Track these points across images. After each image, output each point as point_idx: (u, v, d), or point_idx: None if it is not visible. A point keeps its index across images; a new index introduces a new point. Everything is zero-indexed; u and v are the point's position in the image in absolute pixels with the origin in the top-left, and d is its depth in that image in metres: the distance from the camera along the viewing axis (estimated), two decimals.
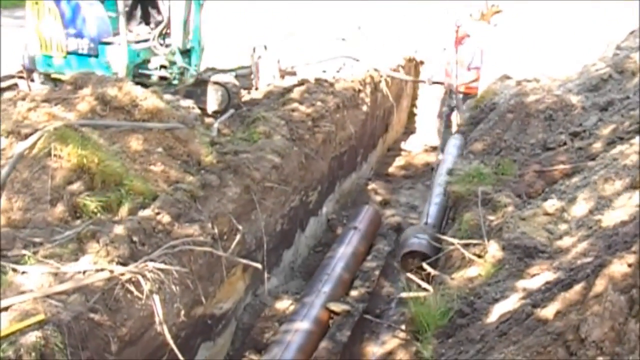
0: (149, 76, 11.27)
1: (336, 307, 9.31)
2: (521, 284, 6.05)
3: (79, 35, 10.84)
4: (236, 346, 8.89)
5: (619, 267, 4.23)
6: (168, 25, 11.22)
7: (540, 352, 4.27)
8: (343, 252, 10.65)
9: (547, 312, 4.78)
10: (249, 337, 8.94)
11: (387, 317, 9.72)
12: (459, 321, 5.90)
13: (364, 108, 14.16)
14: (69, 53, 10.91)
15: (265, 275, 9.20)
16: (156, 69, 11.24)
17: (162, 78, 11.33)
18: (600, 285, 4.24)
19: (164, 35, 11.28)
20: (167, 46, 11.23)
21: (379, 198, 14.28)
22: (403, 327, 7.73)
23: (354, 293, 10.00)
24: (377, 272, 10.65)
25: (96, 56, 10.82)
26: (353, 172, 14.19)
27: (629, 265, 4.19)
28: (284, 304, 9.48)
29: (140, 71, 11.18)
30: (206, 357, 8.19)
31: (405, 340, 8.73)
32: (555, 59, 15.61)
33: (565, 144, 10.06)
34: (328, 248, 11.41)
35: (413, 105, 19.47)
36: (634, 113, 9.49)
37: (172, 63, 11.20)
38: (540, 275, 5.95)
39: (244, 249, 8.70)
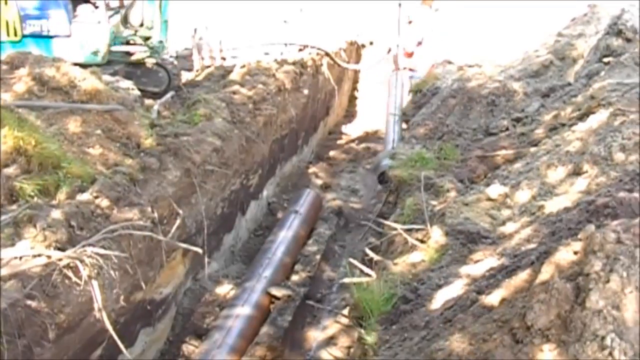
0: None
1: (277, 291, 9.26)
2: (465, 269, 6.04)
3: (42, 16, 10.48)
4: (176, 331, 8.78)
5: (565, 254, 4.22)
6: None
7: (485, 340, 4.26)
8: (284, 236, 10.61)
9: (492, 299, 4.76)
10: (189, 322, 8.84)
11: (328, 302, 9.76)
12: (403, 307, 5.86)
13: (306, 91, 14.09)
14: (25, 36, 10.53)
15: (206, 259, 9.08)
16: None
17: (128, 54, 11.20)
18: (546, 272, 4.23)
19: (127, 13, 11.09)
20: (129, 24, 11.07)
21: (319, 181, 14.25)
22: (346, 312, 7.66)
23: (295, 277, 9.97)
24: (318, 257, 10.63)
25: (67, 37, 10.50)
26: (294, 155, 14.13)
27: (575, 253, 4.18)
28: (225, 289, 9.41)
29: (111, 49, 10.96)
30: (146, 343, 8.05)
31: (347, 325, 8.76)
32: (496, 45, 15.71)
33: (507, 129, 10.13)
34: (269, 232, 11.36)
35: (354, 88, 19.49)
36: (576, 100, 9.58)
37: (146, 38, 11.03)
38: (484, 261, 5.94)
39: (184, 233, 8.58)
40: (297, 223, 11.10)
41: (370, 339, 5.63)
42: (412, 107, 13.26)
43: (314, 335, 9.01)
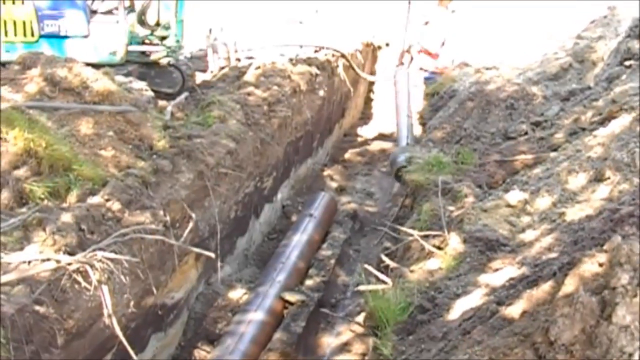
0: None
1: (291, 296, 9.12)
2: (483, 278, 5.88)
3: (59, 16, 10.37)
4: (188, 336, 8.65)
5: (589, 266, 4.07)
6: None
7: (506, 354, 4.11)
8: (298, 240, 10.47)
9: (513, 310, 4.60)
10: (201, 327, 8.71)
11: (342, 308, 9.61)
12: (420, 317, 5.71)
13: (321, 93, 13.92)
14: (41, 36, 10.41)
15: (219, 263, 8.95)
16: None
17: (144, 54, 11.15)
18: (570, 285, 4.07)
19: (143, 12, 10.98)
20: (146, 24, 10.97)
21: (334, 184, 14.10)
22: (361, 320, 7.51)
23: (309, 282, 9.82)
24: (332, 261, 10.47)
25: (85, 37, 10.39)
26: (309, 157, 13.97)
27: (600, 265, 4.02)
28: (238, 293, 9.26)
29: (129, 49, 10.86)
30: (157, 348, 7.93)
31: (362, 332, 8.61)
32: (514, 47, 15.52)
33: (526, 133, 9.97)
34: (283, 235, 11.22)
35: (370, 90, 19.32)
36: (596, 104, 9.39)
37: (163, 38, 10.95)
38: (503, 270, 5.79)
39: (196, 237, 8.46)
40: (312, 227, 10.96)
41: (386, 350, 5.47)
42: (429, 109, 13.12)
43: (328, 342, 8.86)
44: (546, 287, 4.46)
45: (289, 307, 9.06)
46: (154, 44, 11.28)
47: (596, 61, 12.11)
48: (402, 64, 15.17)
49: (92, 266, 5.99)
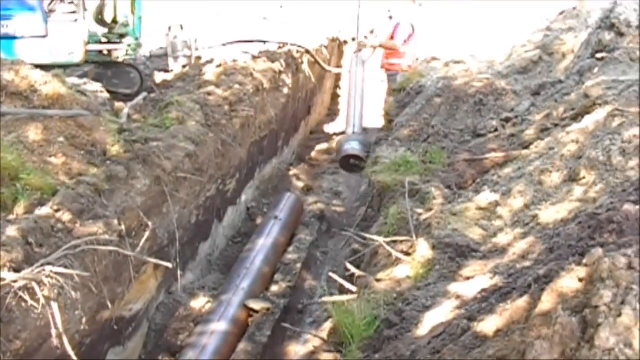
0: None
1: (255, 304, 8.79)
2: (454, 288, 5.57)
3: (13, 16, 9.92)
4: (149, 349, 8.30)
5: (568, 281, 3.76)
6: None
7: None
8: (263, 244, 10.13)
9: (486, 327, 4.29)
10: (162, 339, 8.35)
11: (310, 314, 9.32)
12: (387, 332, 5.37)
13: (285, 90, 13.58)
14: None
15: (179, 272, 8.58)
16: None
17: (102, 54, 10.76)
18: (547, 302, 3.77)
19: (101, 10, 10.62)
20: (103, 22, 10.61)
21: (301, 184, 13.78)
22: (325, 336, 7.17)
23: (274, 288, 9.48)
24: (299, 265, 10.14)
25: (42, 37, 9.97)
26: (274, 157, 13.64)
27: (580, 280, 3.71)
28: (200, 302, 8.90)
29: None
30: None
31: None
32: (482, 41, 15.27)
33: (496, 130, 9.68)
34: (248, 238, 10.90)
35: (336, 86, 19.04)
36: (568, 98, 9.11)
37: (122, 36, 10.58)
38: (474, 280, 5.47)
39: (155, 245, 8.11)
40: (277, 229, 10.62)
41: None
42: (396, 106, 12.77)
43: (295, 350, 8.53)
44: (521, 302, 4.15)
45: (254, 316, 8.74)
46: (113, 42, 10.92)
47: (566, 53, 11.84)
48: (360, 51, 14.78)
49: (39, 283, 5.65)
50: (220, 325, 8.21)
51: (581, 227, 5.09)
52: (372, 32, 16.12)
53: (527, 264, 5.10)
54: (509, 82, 11.31)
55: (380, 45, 14.75)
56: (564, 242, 5.01)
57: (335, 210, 12.71)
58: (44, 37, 9.97)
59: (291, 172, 14.21)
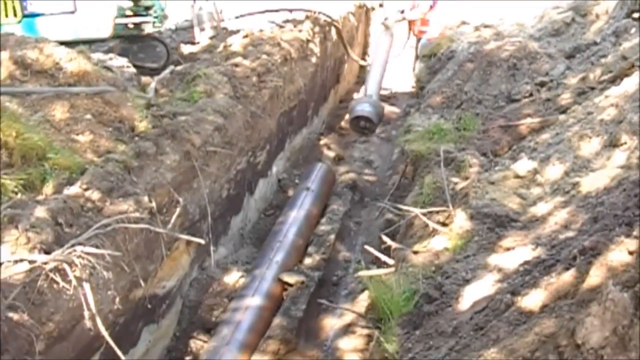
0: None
1: (290, 278, 8.70)
2: (494, 260, 5.40)
3: None
4: (183, 326, 8.24)
5: (617, 254, 3.58)
6: None
7: (527, 358, 3.61)
8: (295, 216, 10.02)
9: (530, 302, 4.13)
10: (196, 315, 8.28)
11: (345, 286, 9.25)
12: (427, 308, 5.21)
13: (313, 59, 13.37)
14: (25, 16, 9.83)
15: (212, 248, 8.46)
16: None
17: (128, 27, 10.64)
18: (596, 276, 3.59)
19: None
20: None
21: (332, 154, 13.59)
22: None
23: (308, 261, 9.38)
24: (332, 236, 10.01)
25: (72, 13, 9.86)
26: (304, 127, 13.46)
27: (630, 253, 3.52)
28: (234, 277, 8.81)
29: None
30: (150, 341, 7.50)
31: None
32: (511, 3, 14.87)
33: (531, 94, 9.43)
34: (279, 211, 10.79)
35: (365, 53, 18.78)
36: (605, 61, 8.83)
37: (148, 8, 10.45)
38: (515, 251, 5.29)
39: (186, 220, 8.02)
40: (309, 201, 10.49)
41: (390, 346, 4.97)
42: (426, 72, 12.53)
43: (330, 324, 8.46)
44: (567, 276, 3.97)
45: (288, 289, 8.65)
46: (140, 15, 10.78)
47: (600, 14, 11.49)
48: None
49: (70, 264, 5.56)
50: (254, 300, 8.12)
51: (626, 195, 4.89)
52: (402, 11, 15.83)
53: (570, 234, 4.91)
54: (542, 44, 11.02)
55: (404, 18, 14.53)
56: (608, 212, 4.81)
57: (367, 179, 12.54)
58: (72, 12, 9.84)
59: (321, 142, 14.02)
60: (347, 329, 8.17)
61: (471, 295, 4.98)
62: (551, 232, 5.24)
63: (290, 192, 11.47)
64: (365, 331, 7.97)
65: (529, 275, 4.60)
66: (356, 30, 17.30)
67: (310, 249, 9.65)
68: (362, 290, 8.69)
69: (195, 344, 7.98)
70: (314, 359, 7.91)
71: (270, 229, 10.17)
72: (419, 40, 14.99)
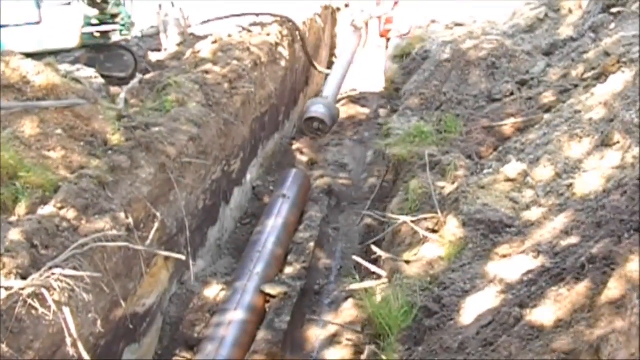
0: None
1: (272, 289, 8.50)
2: (492, 268, 5.22)
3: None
4: (165, 344, 8.01)
5: (637, 265, 3.39)
6: None
7: None
8: (273, 225, 9.81)
9: (541, 316, 3.95)
10: (178, 332, 8.06)
11: (327, 294, 9.06)
12: (428, 322, 5.02)
13: (283, 63, 13.14)
14: None
15: (191, 261, 8.19)
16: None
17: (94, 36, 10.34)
18: (615, 289, 3.42)
19: None
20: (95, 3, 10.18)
21: (305, 158, 13.41)
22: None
23: (289, 270, 9.17)
24: (311, 244, 9.82)
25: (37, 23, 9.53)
26: (276, 132, 13.25)
27: None
28: (214, 290, 8.61)
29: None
30: None
31: (350, 320, 8.04)
32: (480, 2, 14.74)
33: (512, 94, 9.28)
34: (256, 219, 10.59)
35: (332, 55, 18.62)
36: (587, 57, 8.70)
37: (114, 16, 10.15)
38: (514, 260, 5.11)
39: (164, 235, 7.79)
40: (286, 208, 10.28)
41: None
42: (401, 73, 12.35)
43: (316, 334, 8.26)
44: (581, 288, 3.79)
45: (271, 301, 8.43)
46: (106, 23, 10.48)
47: (573, 9, 11.39)
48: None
49: (49, 288, 5.31)
50: (237, 314, 7.91)
51: (629, 198, 4.73)
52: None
53: (573, 240, 4.74)
54: (516, 42, 10.90)
55: (371, 16, 14.41)
56: (612, 216, 4.63)
57: (343, 183, 12.35)
58: (38, 23, 9.51)
59: (294, 147, 13.82)
60: (332, 340, 7.99)
61: (473, 307, 4.79)
62: (551, 238, 5.07)
63: (266, 200, 11.25)
64: (353, 340, 7.80)
65: (534, 285, 4.42)
66: (323, 31, 17.11)
67: (290, 258, 9.44)
68: (346, 299, 8.51)
69: None
70: None
71: (248, 238, 9.98)
72: (388, 40, 14.84)
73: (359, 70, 16.38)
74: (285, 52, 13.38)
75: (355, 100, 16.47)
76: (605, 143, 6.35)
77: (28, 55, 7.96)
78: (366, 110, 15.95)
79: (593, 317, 3.45)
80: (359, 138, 14.57)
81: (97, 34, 10.38)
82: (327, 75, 15.02)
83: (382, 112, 14.82)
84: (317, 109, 13.01)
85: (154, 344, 7.86)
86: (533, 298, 4.23)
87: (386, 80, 14.11)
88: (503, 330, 4.13)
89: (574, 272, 4.10)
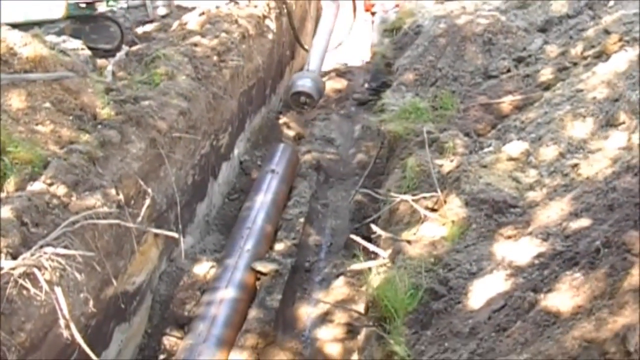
0: None
1: (263, 267, 8.39)
2: (499, 250, 5.10)
3: None
4: (154, 322, 7.88)
5: None
6: None
7: None
8: (262, 201, 9.68)
9: (557, 301, 3.83)
10: (168, 310, 7.93)
11: (318, 271, 8.97)
12: (435, 306, 4.88)
13: (270, 36, 12.94)
14: None
15: (181, 238, 8.01)
16: None
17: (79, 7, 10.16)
18: (637, 275, 3.30)
19: None
20: None
21: (292, 133, 13.24)
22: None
23: (279, 246, 9.06)
24: (301, 220, 9.72)
25: None
26: (262, 106, 13.03)
27: None
28: (204, 268, 8.47)
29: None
30: (122, 341, 7.13)
31: (342, 298, 7.97)
32: None
33: (509, 70, 9.13)
34: (243, 194, 10.46)
35: (317, 26, 18.36)
36: (586, 35, 8.56)
37: None
38: (522, 241, 4.98)
39: (154, 212, 7.62)
40: (275, 184, 10.14)
41: (401, 350, 4.64)
42: (393, 48, 12.15)
43: (307, 312, 8.21)
44: (600, 274, 3.67)
45: (262, 278, 8.30)
46: None
47: None
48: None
49: (40, 267, 5.15)
50: (228, 292, 7.80)
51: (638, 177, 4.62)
52: None
53: (584, 223, 4.62)
54: (509, 17, 10.73)
55: None
56: (625, 200, 4.52)
57: (330, 158, 12.20)
58: None
59: (281, 121, 13.61)
60: (324, 318, 7.91)
61: (482, 290, 4.67)
62: (560, 220, 4.95)
63: (254, 174, 11.09)
64: (344, 319, 7.72)
65: (546, 269, 4.31)
66: (309, 4, 16.90)
67: (280, 234, 9.34)
68: (337, 276, 8.41)
69: (168, 340, 7.66)
70: (294, 351, 7.62)
71: (236, 214, 9.87)
72: (373, 14, 14.68)
73: (348, 44, 16.28)
74: (273, 25, 13.17)
75: (341, 74, 16.30)
76: (610, 123, 6.23)
77: (14, 26, 7.72)
78: (353, 84, 15.81)
79: (616, 305, 3.34)
80: (346, 112, 14.41)
81: (83, 5, 10.11)
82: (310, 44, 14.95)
83: (366, 85, 14.75)
84: (304, 83, 13.21)
85: (143, 323, 7.74)
86: (546, 282, 4.12)
87: (373, 55, 13.98)
88: (517, 315, 4.02)
89: (589, 257, 4.00)
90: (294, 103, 13.51)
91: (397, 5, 14.09)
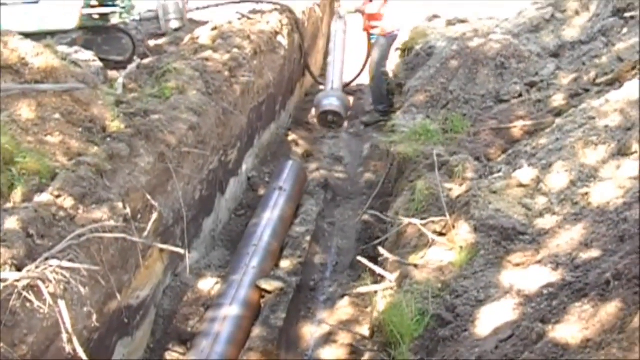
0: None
1: (268, 284, 8.32)
2: (507, 278, 5.06)
3: None
4: (157, 337, 7.80)
5: None
6: None
7: None
8: (269, 218, 9.63)
9: (566, 333, 3.79)
10: (171, 326, 7.87)
11: (322, 290, 8.93)
12: (441, 332, 4.85)
13: (282, 52, 12.94)
14: None
15: (186, 253, 7.99)
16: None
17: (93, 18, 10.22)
18: None
19: None
20: None
21: (300, 150, 13.21)
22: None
23: (284, 264, 9.01)
24: (307, 238, 9.66)
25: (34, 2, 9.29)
26: (272, 122, 13.01)
27: None
28: (209, 283, 8.43)
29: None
30: (124, 355, 7.07)
31: (346, 319, 7.94)
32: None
33: (520, 95, 9.10)
34: (250, 210, 10.41)
35: (329, 44, 18.38)
36: (599, 61, 8.54)
37: None
38: (531, 270, 4.95)
39: (161, 226, 7.58)
40: (283, 201, 10.09)
41: None
42: (404, 69, 12.13)
43: (310, 332, 8.16)
44: (611, 307, 3.63)
45: (266, 296, 8.25)
46: (105, 5, 10.26)
47: (580, 11, 11.21)
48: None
49: (44, 280, 5.12)
50: (232, 310, 7.74)
51: None
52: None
53: (595, 254, 4.58)
54: (521, 41, 10.71)
55: (357, 10, 14.36)
56: (636, 231, 4.48)
57: (339, 177, 12.18)
58: (36, 2, 9.27)
59: (290, 137, 13.59)
60: (327, 338, 7.86)
61: (490, 319, 4.63)
62: (570, 249, 4.91)
63: (261, 191, 11.06)
64: (347, 339, 7.68)
65: (555, 299, 4.27)
66: (321, 21, 16.95)
67: (286, 252, 9.28)
68: (341, 297, 8.37)
69: (170, 356, 7.59)
70: None
71: (242, 229, 9.82)
72: (370, 36, 14.61)
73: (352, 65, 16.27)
74: (284, 41, 13.19)
75: (351, 92, 16.29)
76: (622, 152, 6.18)
77: (26, 36, 7.72)
78: (363, 103, 15.83)
79: (626, 340, 3.29)
80: (355, 131, 14.42)
81: (97, 16, 10.15)
82: (327, 62, 15.05)
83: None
84: (331, 102, 13.39)
85: (146, 337, 7.67)
86: (555, 313, 4.08)
87: (372, 78, 14.04)
88: (524, 346, 3.98)
89: (599, 289, 3.95)
90: (322, 122, 13.66)
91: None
